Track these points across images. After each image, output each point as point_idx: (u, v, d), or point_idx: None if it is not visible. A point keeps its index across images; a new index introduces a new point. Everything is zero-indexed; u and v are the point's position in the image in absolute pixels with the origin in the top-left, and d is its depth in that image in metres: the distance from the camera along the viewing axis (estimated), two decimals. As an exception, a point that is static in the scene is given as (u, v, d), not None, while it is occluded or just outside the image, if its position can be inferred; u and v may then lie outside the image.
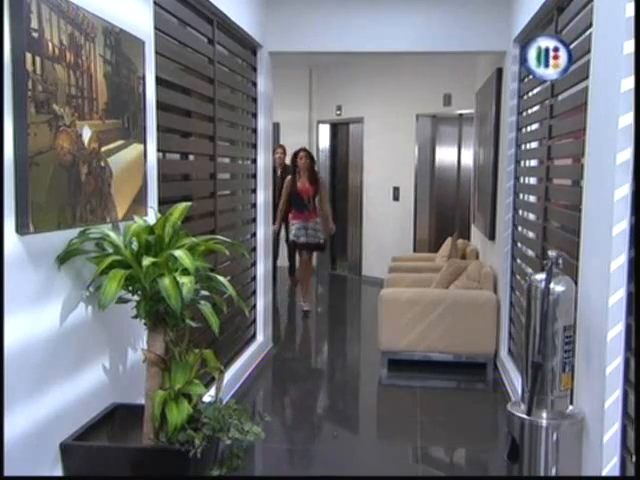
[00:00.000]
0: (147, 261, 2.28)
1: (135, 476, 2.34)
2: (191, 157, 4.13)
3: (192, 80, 3.91)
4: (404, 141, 8.78)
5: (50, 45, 2.14)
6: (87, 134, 2.40)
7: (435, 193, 8.93)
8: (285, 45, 5.35)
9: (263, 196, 5.45)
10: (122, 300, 2.45)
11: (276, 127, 8.54)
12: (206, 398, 2.61)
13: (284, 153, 8.44)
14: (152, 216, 2.88)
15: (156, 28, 3.14)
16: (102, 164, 2.52)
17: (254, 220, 5.36)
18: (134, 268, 2.35)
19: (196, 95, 4.00)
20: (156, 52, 3.12)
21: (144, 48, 2.89)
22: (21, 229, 2.05)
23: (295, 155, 7.18)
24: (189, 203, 2.64)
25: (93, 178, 2.45)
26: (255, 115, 5.30)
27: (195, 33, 3.95)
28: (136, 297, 2.47)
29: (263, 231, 5.44)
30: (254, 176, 5.34)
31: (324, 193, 7.22)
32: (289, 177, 7.18)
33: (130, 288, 2.42)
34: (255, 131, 5.31)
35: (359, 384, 5.29)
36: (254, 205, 5.37)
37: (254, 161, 5.33)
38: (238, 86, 4.95)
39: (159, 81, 3.18)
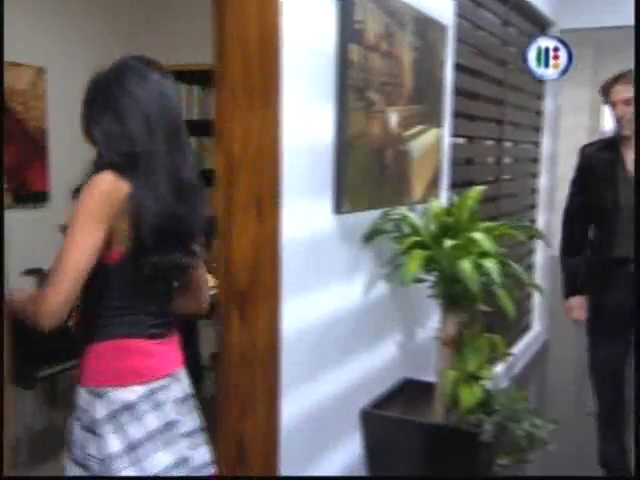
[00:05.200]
0: (448, 243, 2.33)
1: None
2: (476, 141, 4.09)
3: (484, 63, 3.87)
4: None
5: (369, 35, 2.27)
6: (393, 119, 2.50)
7: None
8: (575, 21, 5.04)
9: (545, 181, 5.24)
10: (418, 280, 2.53)
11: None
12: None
13: None
14: (443, 199, 2.92)
15: (456, 13, 3.15)
16: (404, 148, 2.62)
17: (532, 206, 5.17)
18: (433, 249, 2.41)
19: (486, 78, 3.95)
20: (456, 38, 3.13)
21: (446, 34, 2.92)
22: (337, 209, 2.22)
23: None
24: (484, 187, 2.63)
25: (396, 162, 2.56)
26: (540, 96, 5.09)
27: (489, 15, 3.89)
28: (431, 277, 2.53)
29: (543, 218, 5.24)
30: (535, 160, 5.15)
31: None
32: None
33: (427, 268, 2.49)
34: (539, 113, 5.11)
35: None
36: (533, 190, 5.18)
37: (536, 144, 5.13)
38: (525, 67, 4.78)
39: (456, 66, 3.19)
